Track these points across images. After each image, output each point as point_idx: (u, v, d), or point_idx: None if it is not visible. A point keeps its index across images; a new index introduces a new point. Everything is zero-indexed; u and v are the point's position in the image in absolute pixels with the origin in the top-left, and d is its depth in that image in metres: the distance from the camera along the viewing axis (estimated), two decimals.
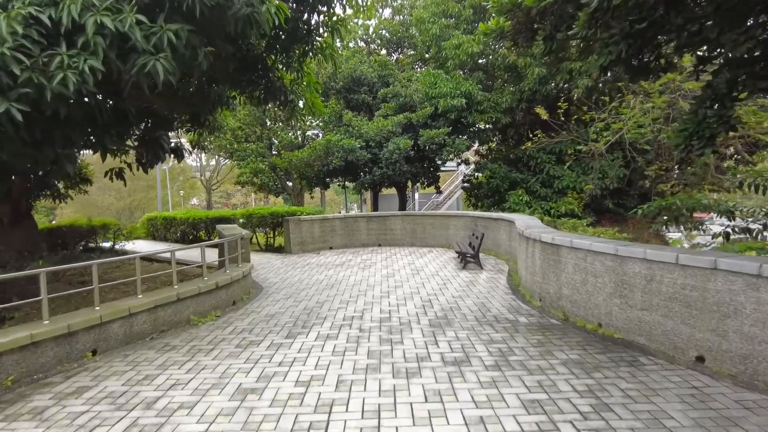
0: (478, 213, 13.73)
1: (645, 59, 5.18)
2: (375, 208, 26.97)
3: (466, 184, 23.16)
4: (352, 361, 5.02)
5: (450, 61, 16.61)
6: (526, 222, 9.86)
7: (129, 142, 9.90)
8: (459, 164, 27.20)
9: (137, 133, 10.09)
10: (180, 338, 6.12)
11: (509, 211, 16.82)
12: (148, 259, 16.41)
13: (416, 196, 50.47)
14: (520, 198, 16.83)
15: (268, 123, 27.66)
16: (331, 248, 15.04)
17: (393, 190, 46.13)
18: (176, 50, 5.49)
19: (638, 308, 5.19)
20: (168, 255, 8.19)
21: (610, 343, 5.31)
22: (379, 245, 15.37)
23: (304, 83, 10.16)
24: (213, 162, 44.91)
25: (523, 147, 14.45)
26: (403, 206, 21.19)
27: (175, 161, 14.80)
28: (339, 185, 21.83)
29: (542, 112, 12.58)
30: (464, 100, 15.94)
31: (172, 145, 12.09)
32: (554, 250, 6.81)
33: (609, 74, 8.09)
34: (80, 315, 5.56)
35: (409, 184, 23.84)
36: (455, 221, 14.47)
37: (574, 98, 14.44)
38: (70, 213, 58.82)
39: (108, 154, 8.73)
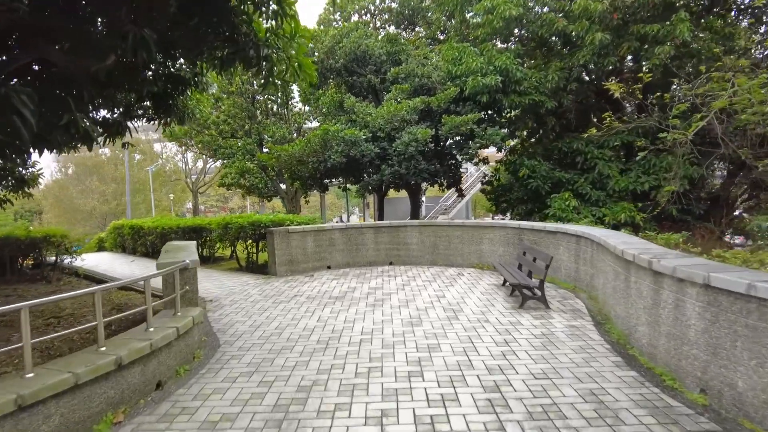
0: (524, 224, 10.51)
1: None
2: (380, 214, 23.89)
3: (485, 186, 19.97)
4: None
5: (480, 29, 13.40)
6: (621, 240, 6.64)
7: None
8: (475, 163, 23.98)
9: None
10: None
11: (553, 219, 13.60)
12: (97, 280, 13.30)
13: (423, 199, 47.30)
14: (567, 203, 13.60)
15: (259, 116, 24.52)
16: (329, 268, 11.84)
17: (399, 193, 42.89)
18: None
19: None
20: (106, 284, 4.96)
21: None
22: (391, 264, 12.15)
23: (287, 35, 6.96)
24: (201, 163, 41.73)
25: (585, 134, 11.17)
26: (415, 212, 17.95)
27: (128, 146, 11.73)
28: (339, 187, 18.63)
29: (615, 87, 9.35)
30: (499, 78, 12.72)
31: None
32: (744, 307, 3.59)
33: None
34: None
35: (422, 185, 20.62)
36: (491, 234, 11.24)
37: (645, 72, 11.21)
38: (50, 219, 55.89)
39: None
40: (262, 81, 7.11)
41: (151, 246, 16.83)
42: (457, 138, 13.14)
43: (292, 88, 25.05)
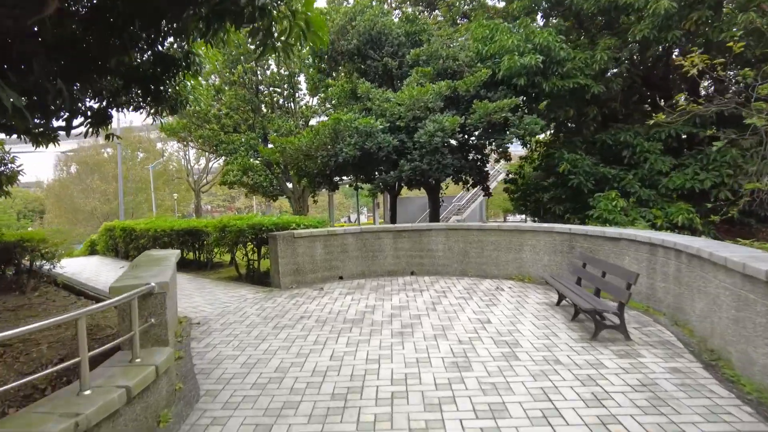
0: (577, 228, 8.83)
1: None
2: (393, 214, 22.25)
3: (508, 185, 18.31)
4: None
5: (516, 1, 11.67)
6: (742, 253, 4.96)
7: None
8: (497, 159, 22.19)
9: None
10: None
11: (598, 222, 11.92)
12: (77, 292, 11.83)
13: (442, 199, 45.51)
14: (614, 203, 11.87)
15: (263, 109, 22.94)
16: (341, 278, 10.24)
17: (410, 192, 41.24)
18: None
19: None
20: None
21: None
22: (413, 274, 10.52)
23: None
24: (203, 161, 40.30)
25: (650, 121, 9.43)
26: (435, 213, 16.25)
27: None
28: (351, 185, 17.03)
29: (696, 60, 7.62)
30: (540, 58, 11.00)
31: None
32: None
33: None
34: None
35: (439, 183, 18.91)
36: (533, 240, 9.56)
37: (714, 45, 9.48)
38: (51, 219, 54.84)
39: None
40: (258, 44, 5.48)
41: (143, 249, 15.33)
42: (489, 128, 11.46)
43: (299, 78, 23.52)
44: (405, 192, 32.05)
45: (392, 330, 6.33)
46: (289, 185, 23.62)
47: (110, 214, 48.24)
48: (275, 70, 22.86)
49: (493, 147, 12.29)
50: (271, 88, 22.91)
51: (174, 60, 8.76)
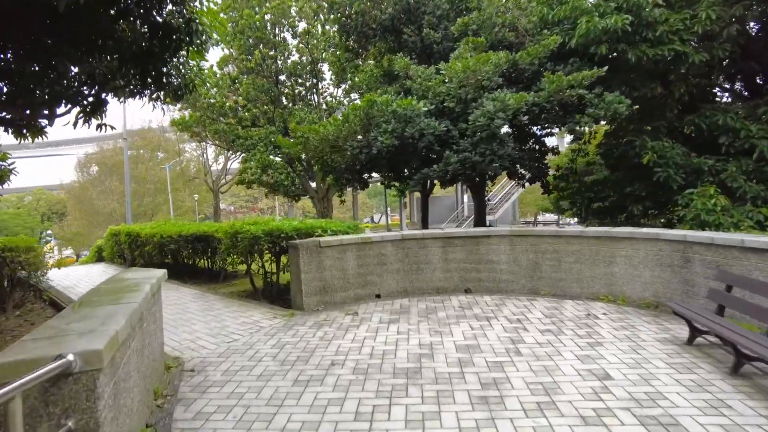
0: (693, 234, 6.65)
1: None
2: (424, 215, 20.23)
3: (558, 182, 16.10)
4: None
5: None
6: None
7: None
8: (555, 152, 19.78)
9: None
10: None
11: (692, 225, 9.70)
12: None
13: (465, 198, 43.27)
14: (713, 202, 9.59)
15: (284, 101, 21.17)
16: (378, 297, 8.29)
17: (441, 190, 38.83)
18: None
19: None
20: None
21: None
22: (468, 292, 8.50)
23: None
24: (222, 160, 38.97)
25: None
26: (481, 215, 14.08)
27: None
28: (382, 183, 15.07)
29: None
30: (628, 19, 8.80)
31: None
32: None
33: None
34: None
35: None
36: (628, 249, 7.41)
37: None
38: (71, 221, 54.52)
39: None
40: None
41: (149, 257, 13.70)
42: (558, 108, 9.31)
43: (322, 67, 21.69)
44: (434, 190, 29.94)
45: (469, 393, 4.30)
46: (313, 184, 21.82)
47: (132, 215, 47.30)
48: (297, 58, 21.09)
49: (563, 131, 10.02)
50: (292, 79, 21.14)
51: (173, 30, 7.27)
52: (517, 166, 11.15)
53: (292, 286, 8.17)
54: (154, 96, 9.16)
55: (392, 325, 6.54)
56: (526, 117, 9.17)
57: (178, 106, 19.76)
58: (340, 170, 12.17)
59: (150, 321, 4.37)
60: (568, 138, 19.88)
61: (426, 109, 9.55)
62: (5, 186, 11.64)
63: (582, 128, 9.60)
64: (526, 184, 14.97)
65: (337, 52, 15.23)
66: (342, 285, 8.06)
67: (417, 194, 34.24)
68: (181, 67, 9.38)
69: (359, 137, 10.66)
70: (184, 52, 9.28)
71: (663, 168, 10.09)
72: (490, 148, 9.49)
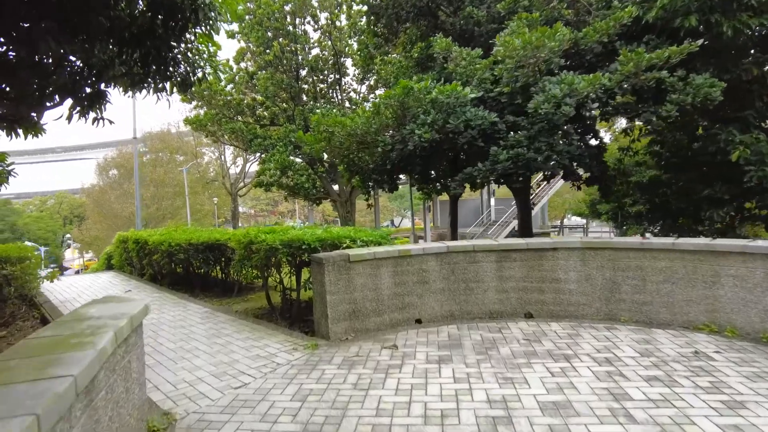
0: None
1: None
2: (453, 219, 18.81)
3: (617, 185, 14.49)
4: None
5: None
6: None
7: None
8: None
9: None
10: None
11: None
12: None
13: (492, 201, 41.56)
14: None
15: (304, 98, 19.94)
16: (418, 323, 6.89)
17: (471, 192, 37.16)
18: None
19: None
20: None
21: None
22: (529, 317, 7.03)
23: None
24: (241, 162, 38.09)
25: None
26: (526, 223, 12.49)
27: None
28: (414, 185, 13.62)
29: None
30: None
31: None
32: None
33: None
34: None
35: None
36: (740, 267, 5.86)
37: None
38: (90, 225, 54.55)
39: None
40: None
41: (158, 267, 12.57)
42: (632, 94, 7.78)
43: (345, 62, 20.43)
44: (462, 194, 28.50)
45: None
46: (335, 187, 20.53)
47: (147, 219, 46.93)
48: (318, 53, 19.88)
49: (643, 119, 8.38)
50: (313, 75, 19.92)
51: (179, 7, 6.39)
52: (574, 164, 9.62)
53: (315, 309, 6.82)
54: (159, 86, 8.07)
55: (444, 367, 5.12)
56: (596, 104, 7.63)
57: (193, 104, 18.79)
58: (367, 170, 10.81)
59: (117, 382, 3.07)
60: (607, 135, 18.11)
61: (474, 95, 8.11)
62: (26, 190, 10.72)
63: (667, 115, 7.96)
64: (556, 185, 13.44)
65: (364, 37, 13.89)
66: (375, 308, 6.69)
67: (442, 197, 32.69)
68: (188, 53, 8.27)
69: (390, 132, 9.31)
70: (192, 37, 8.15)
71: (757, 166, 8.45)
72: (550, 143, 7.99)
